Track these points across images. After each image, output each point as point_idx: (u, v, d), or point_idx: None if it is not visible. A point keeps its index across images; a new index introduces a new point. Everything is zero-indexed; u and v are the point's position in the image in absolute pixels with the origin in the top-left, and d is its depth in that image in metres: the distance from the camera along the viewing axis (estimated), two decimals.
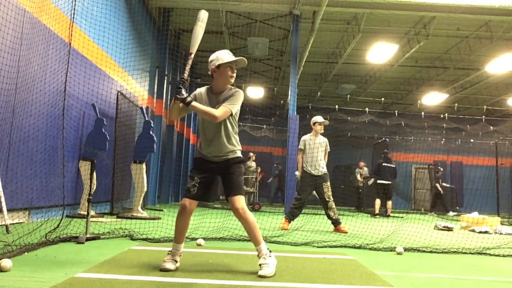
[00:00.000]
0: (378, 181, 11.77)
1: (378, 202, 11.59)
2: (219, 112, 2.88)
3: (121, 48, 8.28)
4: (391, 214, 11.66)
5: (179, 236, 2.99)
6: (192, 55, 3.00)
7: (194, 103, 2.85)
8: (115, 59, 8.18)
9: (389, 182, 11.63)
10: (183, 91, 2.82)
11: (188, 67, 2.96)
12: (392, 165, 11.95)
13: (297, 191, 6.83)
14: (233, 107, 2.93)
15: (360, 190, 14.77)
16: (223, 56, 2.97)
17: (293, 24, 10.95)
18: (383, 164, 11.76)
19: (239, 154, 3.07)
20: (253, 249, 2.98)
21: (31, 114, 5.18)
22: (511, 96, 16.93)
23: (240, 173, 3.02)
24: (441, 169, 15.11)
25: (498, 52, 12.66)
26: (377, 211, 11.45)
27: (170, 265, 2.85)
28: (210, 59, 3.00)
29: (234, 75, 3.02)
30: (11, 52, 4.56)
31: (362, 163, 15.10)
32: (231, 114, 2.94)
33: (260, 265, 2.84)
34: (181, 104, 2.89)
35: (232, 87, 3.06)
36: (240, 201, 2.92)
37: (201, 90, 3.08)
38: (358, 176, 14.90)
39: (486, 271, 3.52)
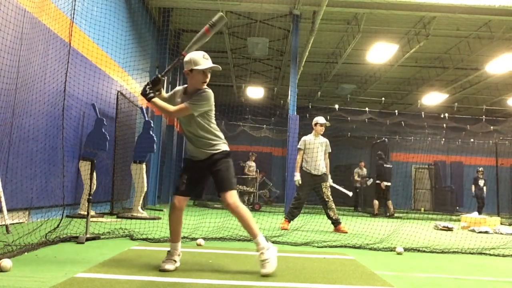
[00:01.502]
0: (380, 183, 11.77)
1: (376, 202, 11.62)
2: (174, 108, 2.94)
3: (121, 48, 8.28)
4: (395, 214, 11.69)
5: (174, 235, 3.00)
6: (182, 58, 2.97)
7: (154, 99, 2.90)
8: (115, 59, 8.18)
9: (389, 184, 11.69)
10: (147, 88, 2.90)
11: (170, 67, 3.02)
12: (390, 166, 12.05)
13: (296, 191, 6.83)
14: (193, 106, 2.89)
15: (358, 190, 14.79)
16: (196, 60, 2.93)
17: (293, 24, 10.95)
18: (385, 165, 11.78)
19: (223, 148, 3.03)
20: (253, 249, 2.97)
21: (31, 114, 5.18)
22: (511, 96, 16.93)
23: (227, 168, 2.98)
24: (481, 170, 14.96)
25: (498, 52, 12.66)
26: (376, 211, 11.47)
27: (169, 266, 2.85)
28: (185, 59, 2.97)
29: (207, 80, 2.98)
30: (11, 52, 4.56)
31: (362, 164, 15.12)
32: (193, 114, 2.89)
33: (261, 262, 2.83)
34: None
35: (205, 88, 2.99)
36: (231, 196, 2.91)
37: (180, 88, 3.12)
38: (356, 176, 14.91)
39: (486, 271, 3.52)
